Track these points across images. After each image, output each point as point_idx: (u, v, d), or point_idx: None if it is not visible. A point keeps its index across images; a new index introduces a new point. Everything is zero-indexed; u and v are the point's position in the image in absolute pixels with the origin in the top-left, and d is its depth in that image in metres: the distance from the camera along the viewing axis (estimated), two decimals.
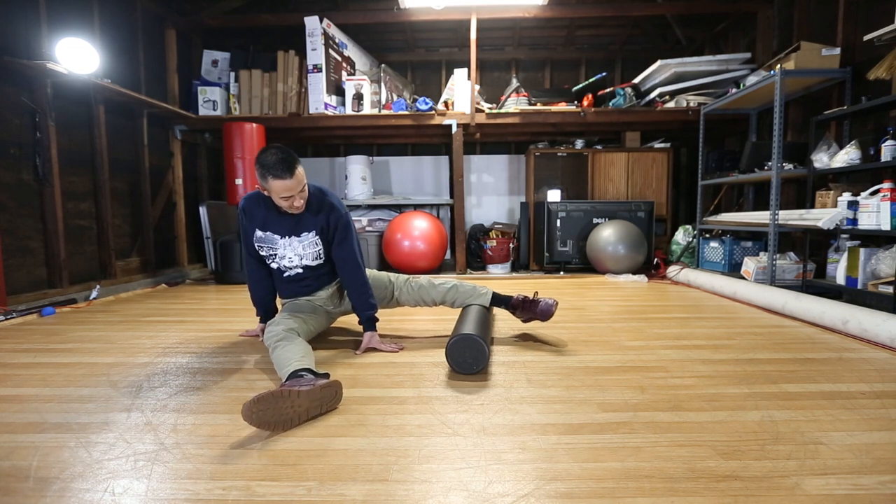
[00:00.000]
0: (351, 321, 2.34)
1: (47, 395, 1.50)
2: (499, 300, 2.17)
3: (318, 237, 1.92)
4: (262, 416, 1.18)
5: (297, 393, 1.24)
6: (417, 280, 2.18)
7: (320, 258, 1.96)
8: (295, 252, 1.93)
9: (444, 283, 2.16)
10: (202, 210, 4.68)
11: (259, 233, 1.93)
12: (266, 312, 2.16)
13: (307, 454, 1.12)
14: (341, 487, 0.98)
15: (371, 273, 2.16)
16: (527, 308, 2.15)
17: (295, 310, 1.94)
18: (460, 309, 2.15)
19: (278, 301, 2.14)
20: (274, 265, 1.98)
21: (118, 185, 3.80)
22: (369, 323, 1.98)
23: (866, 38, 2.78)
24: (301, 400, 1.25)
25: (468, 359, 1.64)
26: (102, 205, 3.56)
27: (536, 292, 2.20)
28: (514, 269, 4.72)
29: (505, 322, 2.41)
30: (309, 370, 1.44)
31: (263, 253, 1.96)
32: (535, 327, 2.30)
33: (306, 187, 1.83)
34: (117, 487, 0.99)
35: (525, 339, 2.12)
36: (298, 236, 1.91)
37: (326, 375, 1.46)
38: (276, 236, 1.92)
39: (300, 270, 1.97)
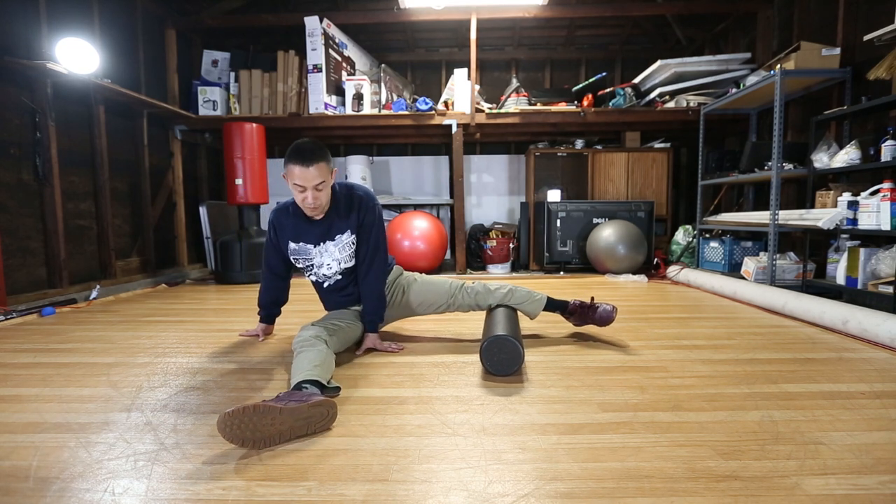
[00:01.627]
0: None
1: (47, 395, 1.50)
2: (554, 305, 2.13)
3: (353, 236, 1.88)
4: (236, 432, 1.10)
5: (279, 410, 1.15)
6: (473, 287, 2.10)
7: (355, 258, 1.92)
8: (332, 258, 1.89)
9: (500, 288, 2.09)
10: (202, 210, 4.68)
11: (292, 245, 1.90)
12: (268, 315, 2.18)
13: (307, 454, 1.12)
14: (341, 487, 0.98)
15: (430, 279, 2.12)
16: (584, 314, 2.11)
17: (334, 317, 1.89)
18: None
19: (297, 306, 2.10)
20: (312, 277, 1.96)
21: (118, 185, 3.80)
22: (372, 325, 1.96)
23: (866, 38, 2.78)
24: (284, 417, 1.15)
25: (503, 359, 1.63)
26: (102, 205, 3.57)
27: (593, 298, 2.16)
28: (514, 269, 4.72)
29: None
30: (315, 382, 1.36)
31: (300, 265, 1.94)
32: (535, 327, 2.30)
33: (327, 190, 1.76)
34: (117, 487, 0.99)
35: (525, 340, 2.12)
36: (333, 240, 1.87)
37: (336, 390, 1.42)
38: (308, 246, 1.88)
39: (339, 277, 1.93)
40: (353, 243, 1.89)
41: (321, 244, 1.88)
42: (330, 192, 1.81)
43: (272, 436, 1.15)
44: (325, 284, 1.96)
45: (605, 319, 2.07)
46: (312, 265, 1.92)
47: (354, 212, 1.87)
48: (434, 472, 1.04)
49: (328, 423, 1.25)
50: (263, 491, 0.97)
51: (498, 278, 4.24)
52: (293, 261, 1.94)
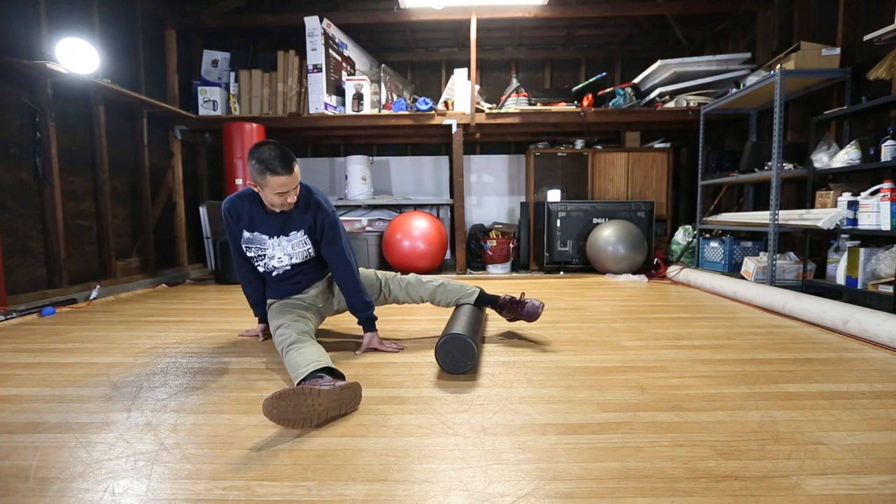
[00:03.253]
0: (351, 322, 2.34)
1: (47, 395, 1.50)
2: (485, 299, 2.18)
3: (306, 236, 1.91)
4: (282, 413, 1.18)
5: (318, 392, 1.24)
6: (405, 277, 2.20)
7: (309, 256, 1.96)
8: (284, 252, 1.92)
9: (433, 281, 2.18)
10: (202, 210, 4.67)
11: (246, 234, 1.91)
12: (264, 314, 2.16)
13: (307, 454, 1.12)
14: (341, 487, 0.98)
15: (363, 273, 2.15)
16: (513, 308, 2.16)
17: (290, 313, 1.86)
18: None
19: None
20: (261, 268, 1.96)
21: (118, 185, 3.80)
22: (368, 323, 1.97)
23: (866, 38, 2.78)
24: (321, 399, 1.24)
25: (458, 357, 1.64)
26: (102, 205, 3.56)
27: (523, 293, 2.20)
28: (515, 269, 4.72)
29: (504, 322, 2.41)
30: (328, 369, 1.43)
31: (251, 254, 1.94)
32: (535, 327, 2.30)
33: (299, 183, 1.84)
34: (117, 487, 0.99)
35: (525, 339, 2.12)
36: (287, 235, 1.90)
37: (343, 377, 1.46)
38: (264, 237, 1.90)
39: (288, 268, 1.96)
40: (306, 243, 1.93)
41: (276, 237, 1.90)
42: None
43: (311, 417, 1.23)
44: (274, 274, 1.97)
45: (532, 315, 2.12)
46: (264, 255, 1.93)
47: (311, 212, 1.89)
48: (434, 472, 1.04)
49: (356, 404, 1.35)
50: (263, 491, 0.97)
51: (498, 278, 4.24)
52: (244, 249, 1.94)
